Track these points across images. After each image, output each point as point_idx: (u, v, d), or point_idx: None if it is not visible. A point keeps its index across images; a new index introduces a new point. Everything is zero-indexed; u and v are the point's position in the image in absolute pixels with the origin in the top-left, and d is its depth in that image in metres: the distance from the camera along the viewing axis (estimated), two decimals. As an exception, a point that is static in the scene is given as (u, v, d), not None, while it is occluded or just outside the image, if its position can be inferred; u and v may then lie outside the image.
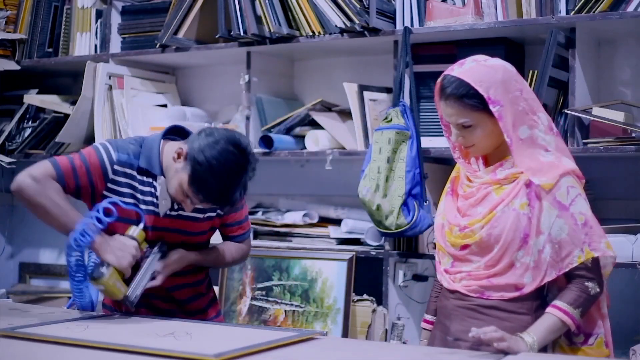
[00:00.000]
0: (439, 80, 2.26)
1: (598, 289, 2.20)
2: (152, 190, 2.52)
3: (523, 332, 2.13)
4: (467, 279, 2.26)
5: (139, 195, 2.52)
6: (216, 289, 3.61)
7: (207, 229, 2.62)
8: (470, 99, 2.19)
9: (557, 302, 2.18)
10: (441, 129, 3.30)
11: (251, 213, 3.80)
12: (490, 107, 2.18)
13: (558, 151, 2.25)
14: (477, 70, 2.21)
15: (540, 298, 2.24)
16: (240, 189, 2.38)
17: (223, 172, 2.34)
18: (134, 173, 2.52)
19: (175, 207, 2.53)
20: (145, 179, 2.52)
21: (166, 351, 1.95)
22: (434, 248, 3.28)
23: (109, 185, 2.51)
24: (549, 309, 2.18)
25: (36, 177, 2.43)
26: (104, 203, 2.42)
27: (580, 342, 2.26)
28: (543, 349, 2.16)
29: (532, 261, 2.18)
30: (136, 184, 2.52)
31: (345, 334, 3.28)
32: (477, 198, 2.26)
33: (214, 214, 2.60)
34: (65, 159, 2.50)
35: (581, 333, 2.27)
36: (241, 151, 2.37)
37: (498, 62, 2.25)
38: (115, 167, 2.51)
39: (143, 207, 2.51)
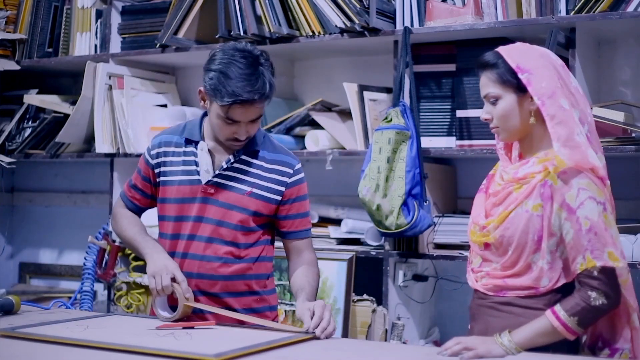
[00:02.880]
0: None
1: (604, 301, 2.10)
2: (194, 158, 2.54)
3: (503, 332, 2.10)
4: (486, 277, 2.26)
5: (180, 168, 2.55)
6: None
7: (251, 208, 2.51)
8: (496, 68, 2.23)
9: (555, 306, 2.13)
10: (441, 128, 3.35)
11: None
12: (519, 74, 2.19)
13: (592, 140, 2.20)
14: (515, 47, 2.28)
15: (561, 294, 2.17)
16: (263, 77, 2.40)
17: (236, 66, 2.39)
18: (172, 149, 2.58)
19: (217, 171, 2.51)
20: (188, 149, 2.56)
21: (166, 351, 1.95)
22: (435, 248, 3.31)
23: (156, 171, 2.60)
24: (546, 312, 2.13)
25: (113, 214, 2.73)
26: None
27: (605, 357, 2.20)
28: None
29: (546, 263, 2.16)
30: (176, 158, 2.57)
31: (345, 334, 3.28)
32: (500, 197, 2.25)
33: (262, 193, 2.52)
34: (129, 179, 2.71)
35: (606, 347, 2.22)
36: (246, 50, 2.44)
37: (542, 49, 2.29)
38: (152, 152, 2.61)
39: (185, 177, 2.54)
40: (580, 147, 2.15)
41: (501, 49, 2.27)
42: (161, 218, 2.59)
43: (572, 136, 2.15)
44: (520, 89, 2.21)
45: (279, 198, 2.54)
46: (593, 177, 2.16)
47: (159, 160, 2.59)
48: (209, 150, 2.53)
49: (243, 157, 2.53)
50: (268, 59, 2.47)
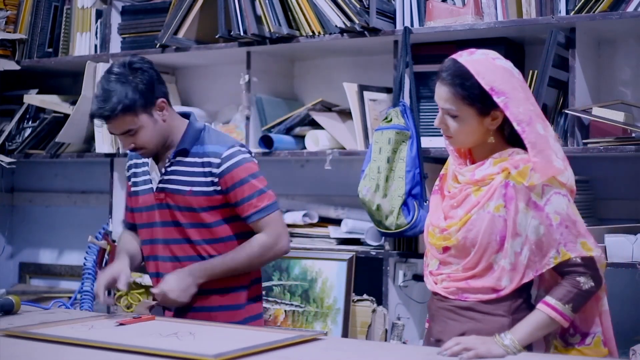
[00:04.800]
0: (445, 61, 2.24)
1: (592, 284, 2.14)
2: (147, 168, 2.66)
3: (503, 332, 2.11)
4: (447, 280, 2.24)
5: (140, 179, 2.66)
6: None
7: (195, 205, 2.56)
8: (465, 89, 2.16)
9: (546, 298, 2.15)
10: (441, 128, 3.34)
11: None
12: (494, 97, 2.13)
13: (564, 160, 2.21)
14: (484, 63, 2.18)
15: (521, 299, 2.20)
16: (112, 95, 2.45)
17: (99, 85, 2.52)
18: (137, 161, 2.70)
19: (164, 178, 2.59)
20: (144, 160, 2.67)
21: (167, 351, 1.95)
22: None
23: (129, 182, 2.73)
24: (538, 305, 2.15)
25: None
26: None
27: (576, 343, 2.23)
28: (529, 347, 2.14)
29: (509, 264, 2.15)
30: (138, 170, 2.69)
31: (345, 334, 3.28)
32: (458, 199, 2.24)
33: (200, 189, 2.55)
34: None
35: (577, 333, 2.24)
36: (115, 65, 2.52)
37: (508, 65, 2.21)
38: (126, 165, 2.75)
39: (146, 187, 2.64)
40: (564, 175, 2.18)
41: (469, 64, 2.18)
42: (139, 226, 2.71)
43: (551, 164, 2.16)
44: (483, 111, 2.17)
45: (219, 188, 2.55)
46: (553, 178, 2.18)
47: (130, 172, 2.73)
48: (156, 159, 2.64)
49: (177, 158, 2.59)
50: (140, 72, 2.50)
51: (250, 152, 2.65)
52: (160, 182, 2.59)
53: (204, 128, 2.63)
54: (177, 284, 2.50)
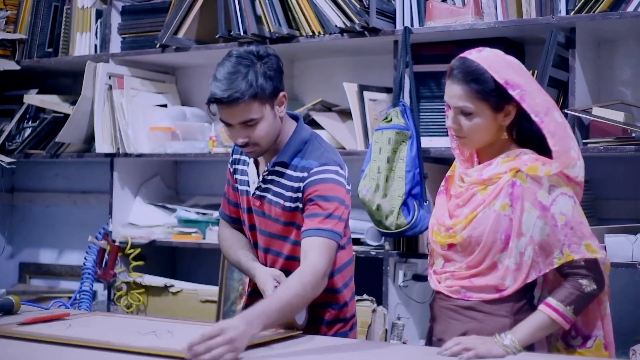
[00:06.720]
0: (453, 60, 2.23)
1: (594, 286, 2.14)
2: (246, 167, 2.49)
3: (504, 332, 2.11)
4: (451, 279, 2.24)
5: (239, 177, 2.51)
6: (215, 289, 3.62)
7: (285, 220, 2.38)
8: (479, 84, 2.15)
9: (548, 299, 2.15)
10: (441, 128, 3.34)
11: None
12: (509, 90, 2.13)
13: (578, 150, 2.21)
14: (495, 59, 2.19)
15: (524, 300, 2.20)
16: (245, 76, 2.26)
17: (224, 67, 2.33)
18: (238, 157, 2.53)
19: (262, 185, 2.41)
20: (244, 158, 2.50)
21: (144, 348, 1.95)
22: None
23: (235, 177, 2.55)
24: (539, 307, 2.15)
25: (218, 235, 2.63)
26: None
27: (577, 345, 2.23)
28: (531, 347, 2.14)
29: (513, 263, 2.15)
30: (239, 167, 2.52)
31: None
32: (464, 198, 2.24)
33: (293, 205, 2.36)
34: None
35: (579, 335, 2.24)
36: (246, 51, 2.33)
37: (516, 61, 2.22)
38: (231, 159, 2.57)
39: (244, 187, 2.48)
40: (575, 166, 2.18)
41: (480, 60, 2.18)
42: (243, 223, 2.54)
43: (567, 153, 2.17)
44: (497, 106, 2.17)
45: (301, 205, 2.36)
46: (561, 175, 2.18)
47: (235, 167, 2.54)
48: (256, 161, 2.46)
49: (276, 168, 2.39)
50: (267, 58, 2.31)
51: (344, 175, 2.38)
52: (257, 188, 2.41)
53: (309, 139, 2.41)
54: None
